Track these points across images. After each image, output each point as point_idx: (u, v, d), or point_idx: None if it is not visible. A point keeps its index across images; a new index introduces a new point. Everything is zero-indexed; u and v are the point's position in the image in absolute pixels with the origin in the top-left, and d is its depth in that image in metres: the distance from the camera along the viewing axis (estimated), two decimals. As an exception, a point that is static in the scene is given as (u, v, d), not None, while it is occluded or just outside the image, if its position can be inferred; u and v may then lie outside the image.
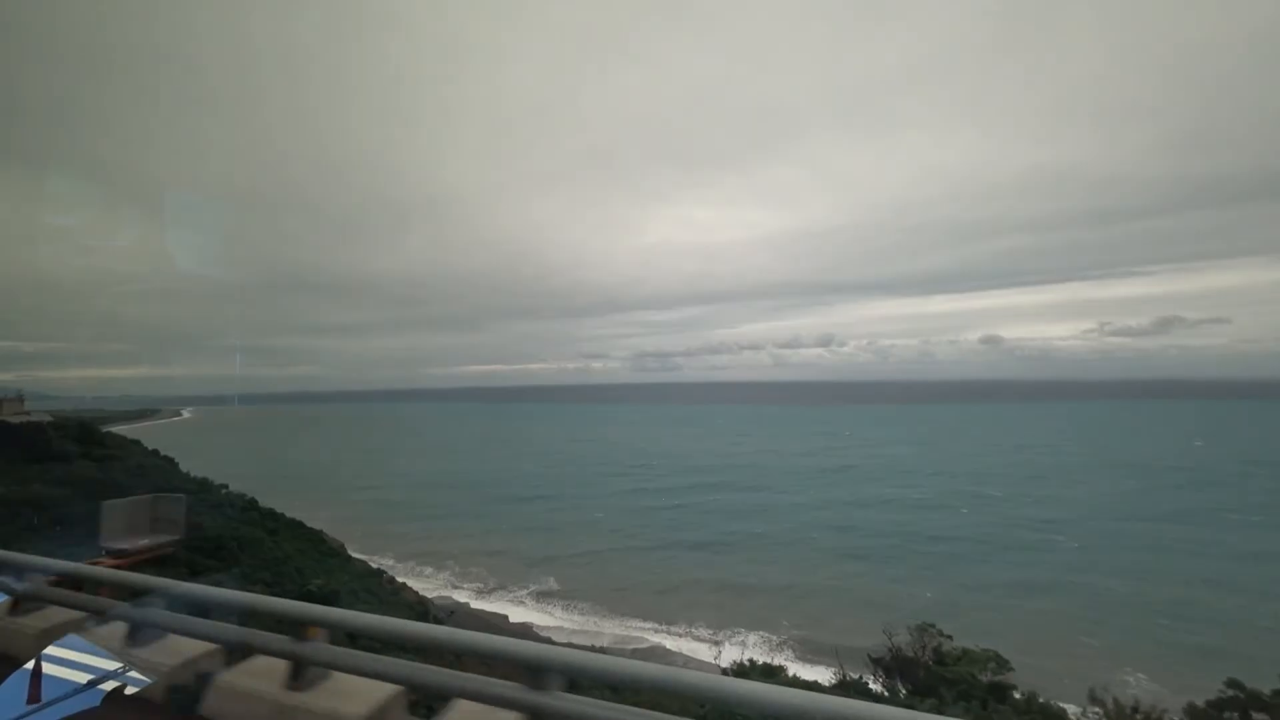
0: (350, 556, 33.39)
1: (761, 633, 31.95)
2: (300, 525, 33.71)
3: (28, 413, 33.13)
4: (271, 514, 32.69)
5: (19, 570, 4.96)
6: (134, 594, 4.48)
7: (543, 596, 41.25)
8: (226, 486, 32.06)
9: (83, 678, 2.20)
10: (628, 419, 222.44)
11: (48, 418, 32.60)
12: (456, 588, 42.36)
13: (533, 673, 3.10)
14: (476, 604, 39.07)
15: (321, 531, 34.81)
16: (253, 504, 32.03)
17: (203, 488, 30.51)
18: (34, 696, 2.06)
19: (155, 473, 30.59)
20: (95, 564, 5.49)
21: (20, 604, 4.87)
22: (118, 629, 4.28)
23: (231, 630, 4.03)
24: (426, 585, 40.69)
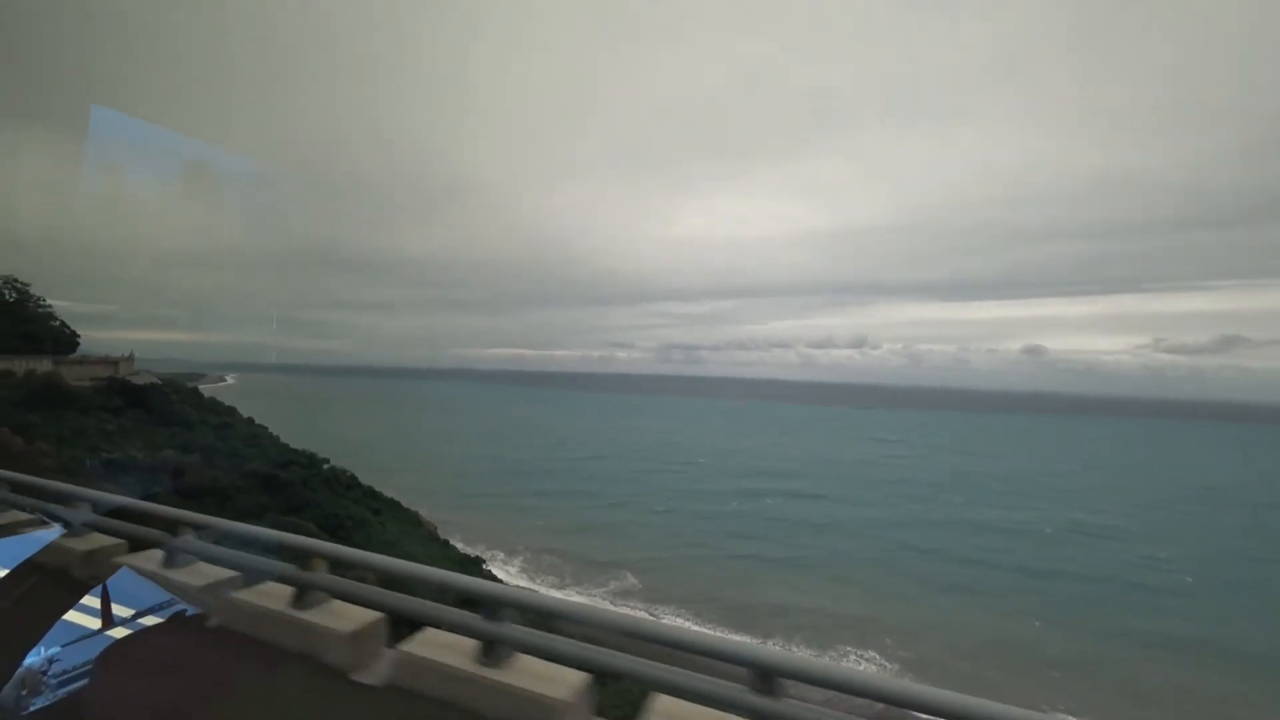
0: (446, 541, 32.34)
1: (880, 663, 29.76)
2: (398, 505, 32.84)
3: (136, 372, 32.59)
4: (372, 492, 31.84)
5: (75, 501, 5.39)
6: (180, 528, 4.95)
7: (622, 595, 39.83)
8: (328, 461, 31.14)
9: (134, 603, 2.45)
10: (658, 411, 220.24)
11: (155, 379, 32.01)
12: (534, 579, 41.25)
13: (489, 606, 3.76)
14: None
15: (418, 513, 33.87)
16: (354, 481, 31.17)
17: (311, 462, 29.60)
18: (90, 621, 2.27)
19: (266, 442, 29.80)
20: (144, 499, 5.63)
21: (76, 534, 5.32)
22: (164, 558, 4.89)
23: (262, 562, 4.62)
24: (504, 578, 39.61)
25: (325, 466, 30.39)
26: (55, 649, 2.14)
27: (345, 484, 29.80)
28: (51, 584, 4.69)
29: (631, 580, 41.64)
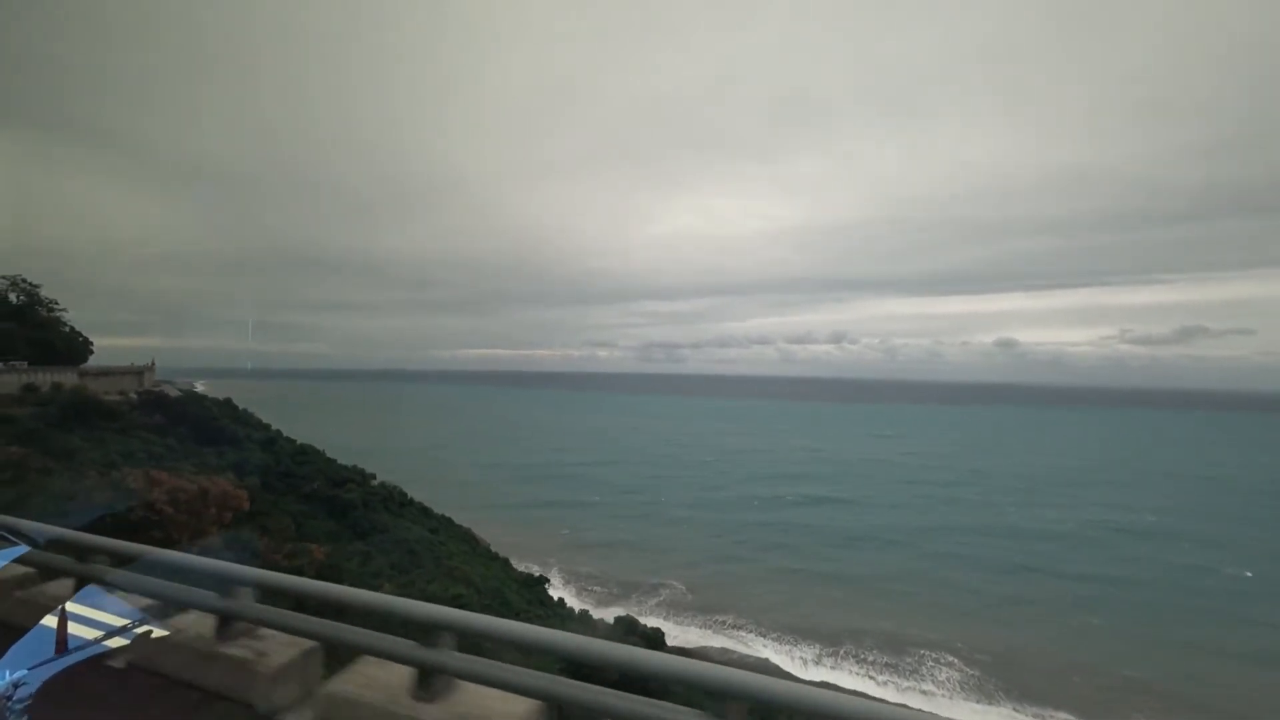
0: (507, 560, 29.94)
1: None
2: (451, 522, 30.32)
3: (159, 383, 29.23)
4: (424, 510, 29.28)
5: (22, 536, 4.97)
6: (133, 562, 4.65)
7: (674, 608, 37.98)
8: (375, 477, 28.41)
9: (81, 642, 2.41)
10: (646, 409, 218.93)
11: (175, 391, 28.74)
12: (580, 597, 38.98)
13: (426, 631, 3.50)
14: (598, 612, 35.62)
15: (470, 530, 31.35)
16: (405, 497, 28.56)
17: (362, 479, 26.84)
18: (35, 661, 2.23)
19: (317, 458, 26.94)
20: (95, 533, 5.11)
21: (25, 570, 5.16)
22: (115, 595, 4.38)
23: (187, 591, 4.32)
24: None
25: (374, 483, 27.68)
26: (21, 672, 2.16)
27: (398, 501, 27.21)
28: None
29: (680, 589, 39.91)
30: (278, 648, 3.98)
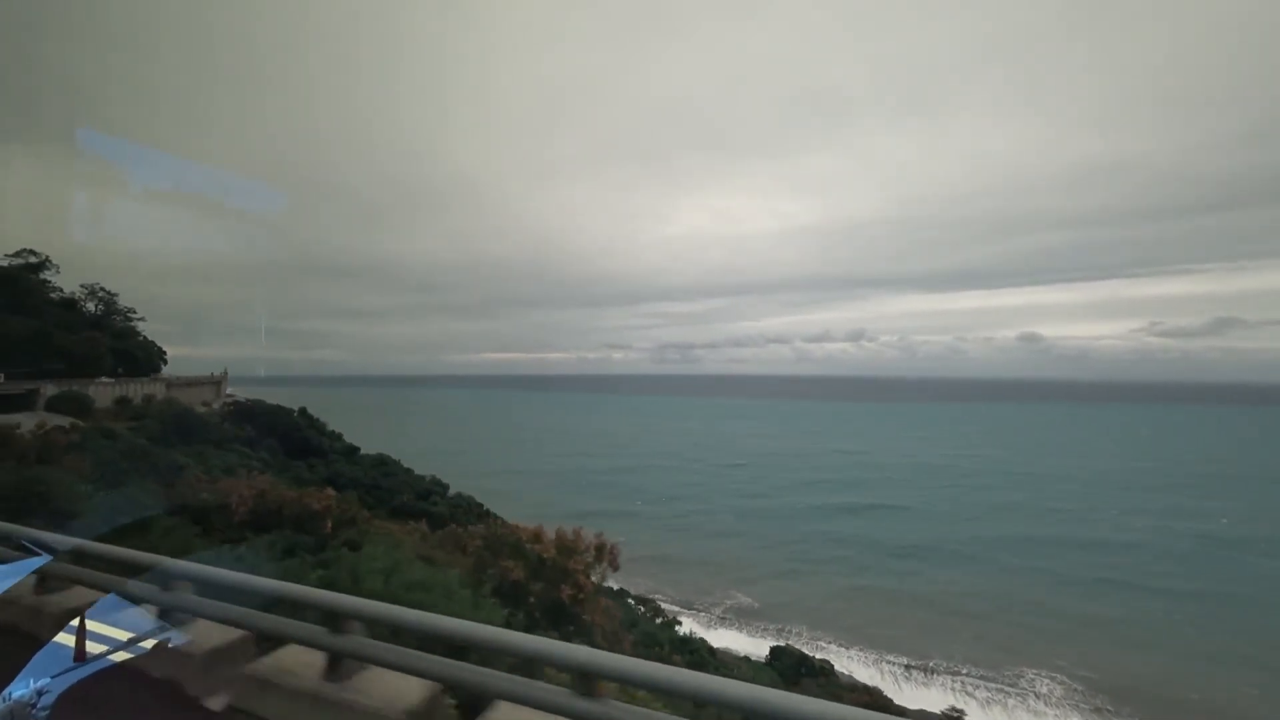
0: (583, 572, 28.90)
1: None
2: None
3: (231, 394, 28.67)
4: (500, 521, 28.28)
5: (43, 547, 4.98)
6: (155, 574, 4.59)
7: (744, 615, 36.71)
8: (449, 487, 27.54)
9: (100, 653, 2.42)
10: (665, 411, 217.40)
11: (244, 398, 28.09)
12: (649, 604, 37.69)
13: (581, 677, 3.22)
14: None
15: (543, 541, 30.34)
16: (481, 508, 27.65)
17: (443, 490, 25.98)
18: (56, 670, 2.24)
19: (396, 468, 26.14)
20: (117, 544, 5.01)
21: (44, 581, 5.19)
22: (134, 608, 4.35)
23: (254, 616, 4.22)
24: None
25: (450, 494, 26.80)
26: (44, 680, 2.17)
27: (475, 512, 26.28)
28: (17, 626, 4.85)
29: (747, 601, 38.57)
30: (301, 661, 3.96)
